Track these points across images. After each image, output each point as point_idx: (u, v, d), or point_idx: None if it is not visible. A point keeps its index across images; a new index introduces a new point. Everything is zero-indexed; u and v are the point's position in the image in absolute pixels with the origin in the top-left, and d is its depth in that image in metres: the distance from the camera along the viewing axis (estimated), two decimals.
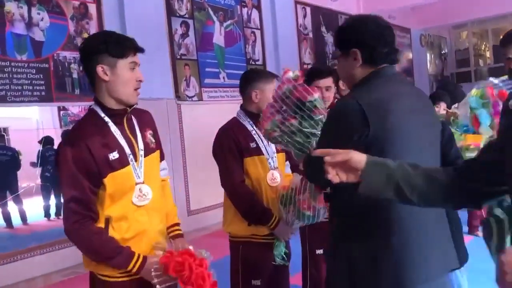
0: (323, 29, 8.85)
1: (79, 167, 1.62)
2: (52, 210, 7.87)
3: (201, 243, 1.87)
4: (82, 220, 1.64)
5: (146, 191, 1.72)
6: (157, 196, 1.77)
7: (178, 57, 6.12)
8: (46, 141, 8.22)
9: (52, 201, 7.88)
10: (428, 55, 12.81)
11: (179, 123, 6.11)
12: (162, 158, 1.89)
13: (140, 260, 1.66)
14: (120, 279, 1.69)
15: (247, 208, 2.21)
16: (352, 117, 1.48)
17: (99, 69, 1.64)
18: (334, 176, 1.24)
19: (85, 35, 5.08)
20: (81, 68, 5.03)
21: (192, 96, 6.31)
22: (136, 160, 1.72)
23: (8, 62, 4.47)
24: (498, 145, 1.22)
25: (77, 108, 10.71)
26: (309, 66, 8.38)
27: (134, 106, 1.75)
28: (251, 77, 2.34)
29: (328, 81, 2.54)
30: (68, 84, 4.93)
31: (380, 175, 1.26)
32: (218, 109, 6.13)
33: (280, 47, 7.65)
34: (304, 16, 8.35)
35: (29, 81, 4.62)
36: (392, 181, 1.25)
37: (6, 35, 4.46)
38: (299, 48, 8.21)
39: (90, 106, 1.78)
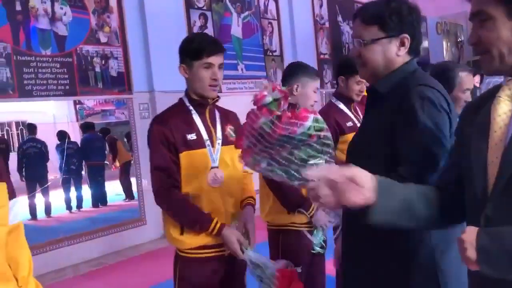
0: (339, 18, 8.79)
1: (162, 141, 1.91)
2: (73, 203, 8.00)
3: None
4: (166, 187, 1.91)
5: (220, 175, 1.94)
6: (232, 182, 1.97)
7: None
8: (61, 136, 8.35)
9: (73, 193, 8.02)
10: (444, 43, 12.66)
11: None
12: None
13: (219, 224, 1.88)
14: (199, 255, 1.91)
15: (288, 196, 2.24)
16: (446, 107, 1.40)
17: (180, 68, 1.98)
18: (326, 197, 1.08)
19: (107, 29, 5.14)
20: (103, 62, 5.09)
21: None
22: (213, 146, 1.96)
23: (34, 57, 4.54)
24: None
25: (92, 102, 10.86)
26: (326, 56, 8.36)
27: (217, 104, 2.06)
28: (298, 70, 2.40)
29: None
30: (91, 78, 4.99)
31: (396, 198, 1.13)
32: (237, 100, 6.15)
33: (297, 38, 7.63)
34: (321, 6, 8.30)
35: (53, 76, 4.68)
36: (408, 205, 1.14)
37: (30, 30, 4.52)
38: (315, 38, 8.17)
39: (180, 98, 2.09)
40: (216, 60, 1.92)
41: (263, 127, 1.32)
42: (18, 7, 4.46)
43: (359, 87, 2.54)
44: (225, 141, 2.00)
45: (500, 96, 1.07)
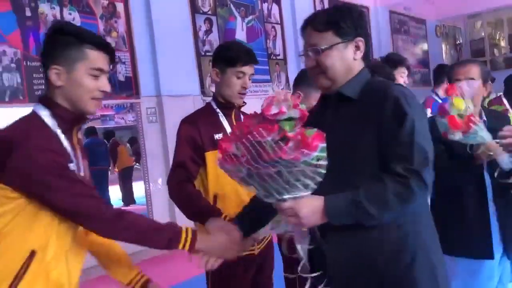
0: None
1: (187, 139, 2.01)
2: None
3: None
4: (178, 180, 1.98)
5: None
6: None
7: (203, 53, 6.17)
8: (89, 132, 8.43)
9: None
10: (443, 45, 12.76)
11: None
12: None
13: (228, 218, 1.80)
14: None
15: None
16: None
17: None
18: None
19: (114, 34, 5.17)
20: (111, 67, 5.12)
21: None
22: None
23: None
24: None
25: None
26: None
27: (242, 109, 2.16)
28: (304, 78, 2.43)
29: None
30: None
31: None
32: None
33: (300, 41, 7.60)
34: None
35: None
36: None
37: (40, 36, 4.54)
38: None
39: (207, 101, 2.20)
40: (249, 70, 2.04)
41: (264, 145, 1.19)
42: (28, 13, 4.48)
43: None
44: None
45: None
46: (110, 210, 1.42)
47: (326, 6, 8.48)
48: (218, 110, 2.10)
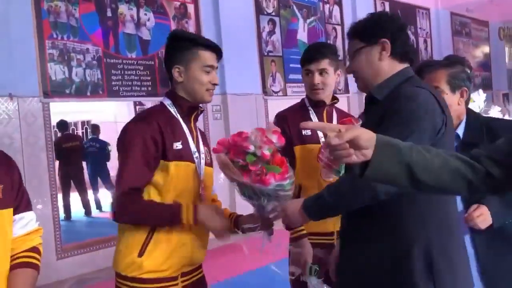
0: None
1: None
2: None
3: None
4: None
5: None
6: None
7: (265, 53, 6.33)
8: None
9: None
10: (506, 48, 12.30)
11: (266, 118, 6.33)
12: None
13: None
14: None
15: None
16: (435, 108, 1.42)
17: None
18: (354, 156, 1.05)
19: None
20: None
21: (277, 92, 6.50)
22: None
23: (121, 60, 4.86)
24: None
25: (151, 103, 11.29)
26: None
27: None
28: None
29: None
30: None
31: (391, 156, 1.09)
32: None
33: None
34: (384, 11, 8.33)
35: (137, 77, 4.99)
36: (404, 163, 1.09)
37: (119, 35, 4.84)
38: None
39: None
40: (314, 67, 2.18)
41: (237, 162, 1.49)
42: (109, 14, 4.79)
43: None
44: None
45: None
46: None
47: (387, 7, 8.43)
48: (309, 107, 2.25)
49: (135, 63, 4.98)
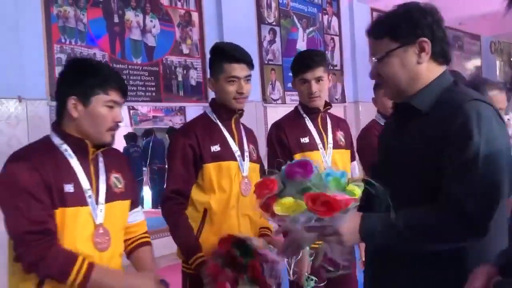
0: None
1: (275, 142, 2.34)
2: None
3: None
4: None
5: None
6: None
7: (266, 62, 6.46)
8: (130, 138, 8.83)
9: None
10: (497, 62, 12.57)
11: (265, 125, 6.44)
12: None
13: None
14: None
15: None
16: (502, 124, 1.26)
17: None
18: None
19: (188, 41, 5.51)
20: (185, 72, 5.47)
21: (277, 99, 6.63)
22: (324, 149, 2.25)
23: (126, 65, 4.94)
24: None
25: (146, 108, 11.34)
26: None
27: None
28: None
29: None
30: (174, 86, 5.37)
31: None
32: None
33: (357, 53, 7.85)
34: None
35: (142, 83, 5.07)
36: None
37: (125, 41, 4.93)
38: None
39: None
40: (310, 76, 2.30)
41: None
42: (116, 20, 4.88)
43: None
44: (336, 145, 2.33)
45: None
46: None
47: None
48: (304, 115, 2.48)
49: (140, 68, 5.06)
